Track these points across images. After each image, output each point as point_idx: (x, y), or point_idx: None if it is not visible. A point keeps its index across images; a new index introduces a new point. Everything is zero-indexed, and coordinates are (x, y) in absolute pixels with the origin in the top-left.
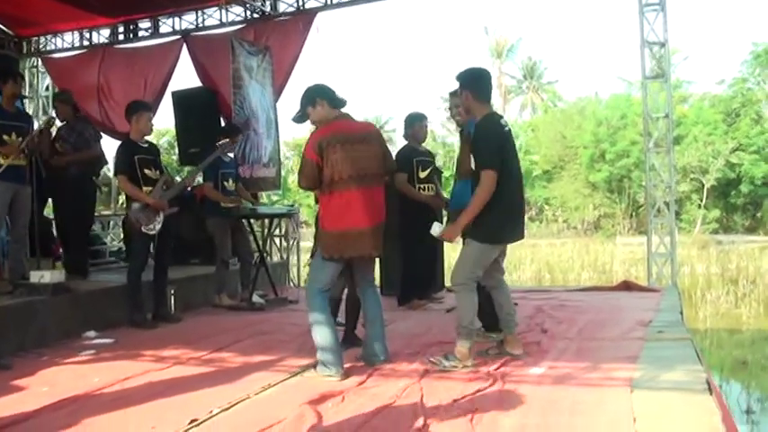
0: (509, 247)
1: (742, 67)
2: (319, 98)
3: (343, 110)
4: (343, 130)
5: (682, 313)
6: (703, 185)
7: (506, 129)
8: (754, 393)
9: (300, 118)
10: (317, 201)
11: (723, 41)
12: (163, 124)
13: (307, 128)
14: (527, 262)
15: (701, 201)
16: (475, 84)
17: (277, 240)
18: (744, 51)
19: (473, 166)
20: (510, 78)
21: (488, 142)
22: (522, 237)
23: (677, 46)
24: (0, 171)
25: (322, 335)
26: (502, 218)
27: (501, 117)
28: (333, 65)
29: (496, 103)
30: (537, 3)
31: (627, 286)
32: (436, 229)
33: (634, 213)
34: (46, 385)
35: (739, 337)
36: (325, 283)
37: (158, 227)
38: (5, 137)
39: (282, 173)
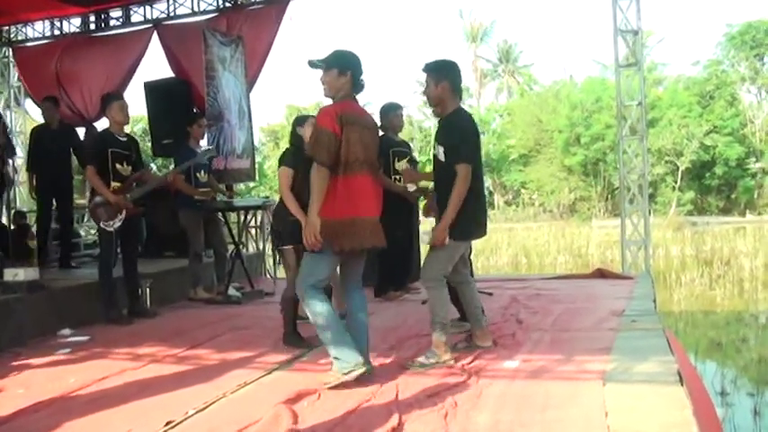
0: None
1: (716, 48)
2: (350, 70)
3: None
4: (357, 112)
5: (654, 301)
6: (678, 168)
7: (477, 129)
8: (729, 374)
9: (320, 67)
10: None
11: (697, 23)
12: (137, 111)
13: (281, 115)
14: (504, 246)
15: (676, 183)
16: (452, 75)
17: (252, 231)
18: (718, 33)
19: (441, 158)
20: (485, 62)
21: (466, 137)
22: (486, 233)
23: (652, 28)
24: None
25: (333, 333)
26: (472, 215)
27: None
28: (305, 51)
29: (471, 87)
30: None
31: (601, 274)
32: (425, 238)
33: (609, 196)
34: (22, 387)
35: (714, 319)
36: (322, 278)
37: (118, 224)
38: None
39: (258, 159)
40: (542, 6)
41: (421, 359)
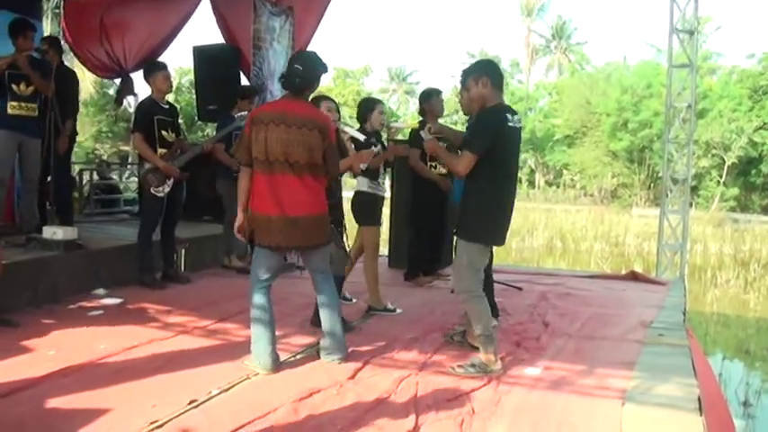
0: (523, 210)
1: None
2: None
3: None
4: (280, 111)
5: (684, 312)
6: (724, 162)
7: (512, 126)
8: (754, 383)
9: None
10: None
11: (758, 14)
12: (186, 63)
13: (329, 77)
14: (540, 228)
15: (721, 177)
16: (493, 70)
17: None
18: None
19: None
20: (538, 37)
21: (486, 130)
22: (503, 242)
23: (710, 14)
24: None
25: (253, 327)
26: (499, 219)
27: (514, 113)
28: (358, 18)
29: (522, 62)
30: None
31: (634, 276)
32: (426, 134)
33: (652, 185)
34: (53, 348)
35: (745, 324)
36: (261, 269)
37: (167, 190)
38: (14, 86)
39: None
40: None
41: (465, 363)
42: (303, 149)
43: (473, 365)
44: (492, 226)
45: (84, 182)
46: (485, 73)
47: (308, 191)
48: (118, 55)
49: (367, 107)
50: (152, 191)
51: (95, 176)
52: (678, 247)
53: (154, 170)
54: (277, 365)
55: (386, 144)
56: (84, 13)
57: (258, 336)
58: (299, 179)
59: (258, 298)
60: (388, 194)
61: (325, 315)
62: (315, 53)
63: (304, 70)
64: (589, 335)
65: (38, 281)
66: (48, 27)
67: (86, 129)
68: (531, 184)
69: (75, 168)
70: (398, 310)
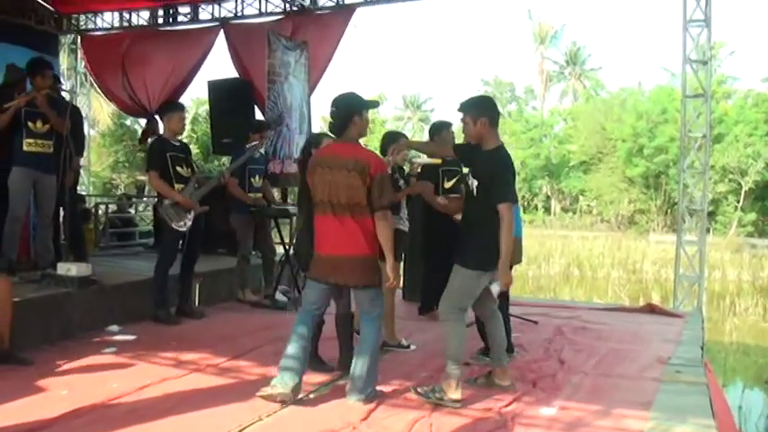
0: (539, 237)
1: None
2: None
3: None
4: (327, 154)
5: (702, 347)
6: (741, 187)
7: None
8: None
9: None
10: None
11: None
12: (202, 94)
13: None
14: (557, 255)
15: (738, 202)
16: (491, 110)
17: None
18: None
19: (474, 192)
20: (552, 64)
21: (507, 176)
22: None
23: (724, 39)
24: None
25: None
26: (489, 245)
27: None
28: (372, 47)
29: (536, 88)
30: None
31: (651, 309)
32: (496, 289)
33: (669, 211)
34: (66, 388)
35: (765, 353)
36: (306, 300)
37: (189, 224)
38: (30, 123)
39: None
40: (613, 10)
41: (427, 389)
42: (344, 190)
43: (434, 391)
44: (488, 252)
45: (99, 214)
46: (483, 113)
47: (349, 231)
48: (141, 97)
49: (390, 141)
50: (174, 226)
51: (111, 209)
52: (696, 279)
53: (174, 205)
54: (295, 394)
55: (407, 179)
56: (105, 48)
57: (286, 358)
58: (341, 220)
59: (298, 324)
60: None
61: (356, 353)
62: (351, 94)
63: (338, 112)
64: (606, 372)
65: (51, 318)
66: (65, 62)
67: (103, 159)
68: (547, 210)
69: (92, 201)
70: (412, 347)
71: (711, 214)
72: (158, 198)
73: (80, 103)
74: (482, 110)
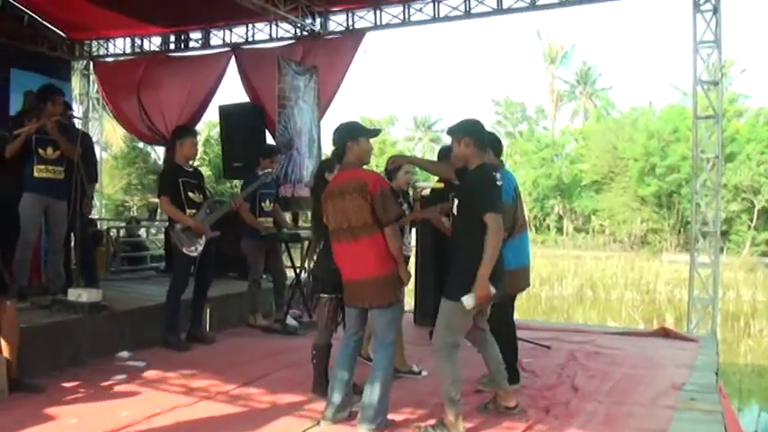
0: (552, 258)
1: None
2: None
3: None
4: (336, 182)
5: (717, 372)
6: (754, 206)
7: (499, 184)
8: None
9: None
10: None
11: None
12: (214, 116)
13: None
14: (570, 276)
15: (751, 222)
16: (477, 132)
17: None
18: None
19: (455, 211)
20: (563, 83)
21: (490, 189)
22: (501, 293)
23: (734, 57)
24: (31, 183)
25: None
26: (475, 269)
27: (496, 170)
28: (382, 68)
29: (547, 108)
30: (592, 9)
31: (665, 332)
32: (470, 301)
33: (682, 230)
34: (75, 416)
35: None
36: (348, 324)
37: (200, 249)
38: (41, 150)
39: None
40: (623, 30)
41: (430, 426)
42: (351, 213)
43: (436, 427)
44: (471, 280)
45: (111, 238)
46: (468, 134)
47: (361, 254)
48: (157, 124)
49: (392, 164)
50: (185, 251)
51: (122, 233)
52: (710, 301)
53: (185, 230)
54: (335, 418)
55: (412, 204)
56: (118, 74)
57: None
58: (353, 243)
59: (340, 351)
60: (412, 252)
61: (369, 381)
62: (351, 123)
63: (334, 140)
64: (620, 400)
65: (61, 344)
66: (77, 87)
67: (116, 181)
68: (560, 230)
69: (103, 225)
70: (424, 373)
71: (724, 234)
72: (170, 223)
73: (92, 127)
74: (467, 131)
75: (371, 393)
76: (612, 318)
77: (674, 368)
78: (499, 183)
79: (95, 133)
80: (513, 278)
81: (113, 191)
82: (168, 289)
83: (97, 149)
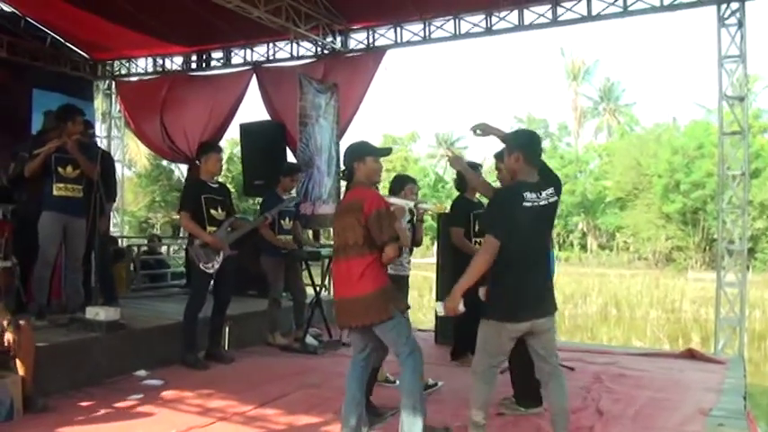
0: (575, 275)
1: None
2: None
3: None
4: (343, 202)
5: (745, 397)
6: None
7: (529, 205)
8: None
9: None
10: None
11: None
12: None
13: (377, 143)
14: (594, 293)
15: None
16: (530, 146)
17: None
18: None
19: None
20: (586, 100)
21: (500, 209)
22: (536, 318)
23: (758, 72)
24: (50, 201)
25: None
26: (510, 292)
27: (540, 188)
28: (404, 85)
29: (570, 125)
30: (615, 24)
31: (691, 354)
32: (440, 308)
33: (707, 248)
34: None
35: None
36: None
37: (217, 266)
38: (60, 168)
39: None
40: (646, 46)
41: None
42: (347, 233)
43: None
44: (513, 301)
45: (133, 255)
46: (520, 148)
47: (348, 273)
48: (179, 143)
49: (399, 184)
50: (201, 267)
51: (143, 250)
52: (737, 321)
53: (203, 246)
54: None
55: (414, 224)
56: (141, 94)
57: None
58: (343, 262)
59: (349, 374)
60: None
61: (402, 408)
62: (358, 143)
63: (344, 161)
64: (646, 425)
65: (79, 363)
66: (100, 107)
67: (140, 198)
68: (584, 247)
69: (125, 242)
70: (440, 383)
71: (750, 251)
72: (189, 238)
73: (115, 146)
74: (519, 145)
75: (408, 424)
76: (637, 337)
77: (701, 392)
78: (528, 204)
79: (117, 152)
80: None
81: (137, 208)
82: (186, 307)
83: (119, 168)
